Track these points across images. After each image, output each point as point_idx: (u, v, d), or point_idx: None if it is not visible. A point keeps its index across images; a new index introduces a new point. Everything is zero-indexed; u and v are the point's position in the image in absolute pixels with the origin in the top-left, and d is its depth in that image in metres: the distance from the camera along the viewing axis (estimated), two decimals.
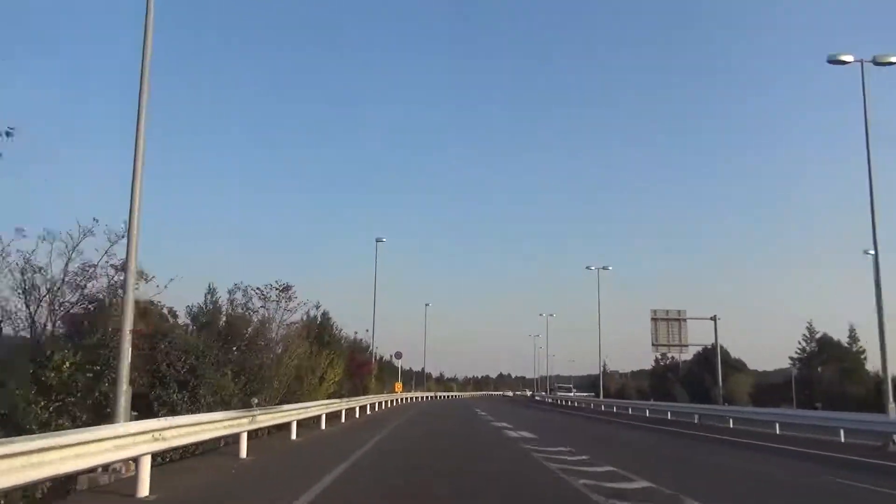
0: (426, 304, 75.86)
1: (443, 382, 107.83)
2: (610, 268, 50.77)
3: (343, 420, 22.33)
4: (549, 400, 77.64)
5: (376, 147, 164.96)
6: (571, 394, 58.40)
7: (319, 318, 27.84)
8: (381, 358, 49.97)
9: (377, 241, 42.01)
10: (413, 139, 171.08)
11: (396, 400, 46.30)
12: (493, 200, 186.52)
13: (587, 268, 50.68)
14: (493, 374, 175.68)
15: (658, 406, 34.96)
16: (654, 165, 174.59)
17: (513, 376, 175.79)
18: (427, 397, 71.67)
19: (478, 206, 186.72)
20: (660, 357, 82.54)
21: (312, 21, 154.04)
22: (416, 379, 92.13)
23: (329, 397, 26.39)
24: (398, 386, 47.62)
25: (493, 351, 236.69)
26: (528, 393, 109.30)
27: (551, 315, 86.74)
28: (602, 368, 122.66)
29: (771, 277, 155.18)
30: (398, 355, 49.08)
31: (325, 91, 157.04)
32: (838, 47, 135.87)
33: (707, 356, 69.30)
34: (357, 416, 25.90)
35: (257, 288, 21.16)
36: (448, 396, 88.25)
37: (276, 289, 21.65)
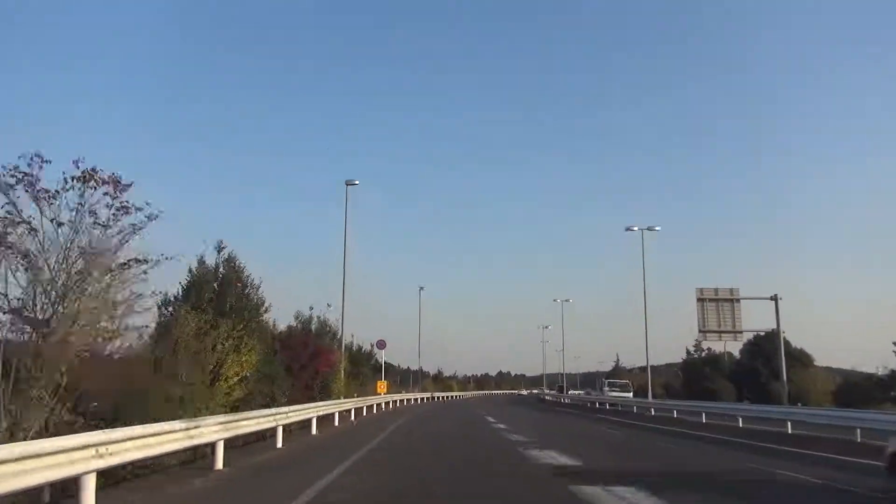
0: (420, 288, 64.66)
1: (441, 381, 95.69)
2: (658, 228, 39.09)
3: (220, 466, 10.47)
4: (566, 400, 66.01)
5: (365, 135, 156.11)
6: (629, 395, 45.61)
7: (222, 268, 16.05)
8: (360, 349, 38.28)
9: (347, 185, 30.41)
10: (407, 135, 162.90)
11: (380, 405, 34.71)
12: (493, 193, 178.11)
13: (628, 229, 39.01)
14: (493, 373, 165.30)
15: (771, 412, 23.16)
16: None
17: (512, 374, 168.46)
18: (422, 399, 59.71)
19: (476, 197, 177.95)
20: (693, 349, 71.08)
21: (313, 20, 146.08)
22: (413, 377, 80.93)
23: (235, 407, 14.91)
24: (382, 385, 35.97)
25: (492, 349, 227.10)
26: (546, 391, 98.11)
27: (567, 300, 75.24)
28: (618, 364, 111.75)
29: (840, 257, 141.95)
30: (381, 344, 37.36)
31: (325, 93, 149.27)
32: (842, 43, 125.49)
33: (760, 345, 57.54)
34: (280, 444, 14.14)
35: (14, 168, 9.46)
36: (448, 398, 76.26)
37: (74, 177, 10.01)
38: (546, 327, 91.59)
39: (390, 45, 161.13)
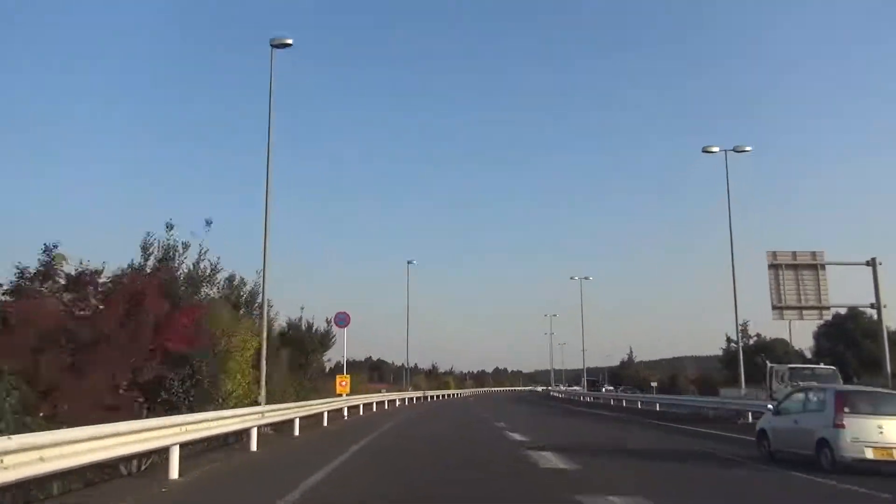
0: (409, 262, 52.70)
1: (436, 377, 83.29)
2: (749, 148, 26.77)
3: None
4: (589, 399, 53.73)
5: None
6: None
7: None
8: (312, 327, 25.77)
9: (273, 46, 18.07)
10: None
11: (341, 410, 22.51)
12: (493, 193, 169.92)
13: (705, 150, 26.64)
14: (489, 369, 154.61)
15: None
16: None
17: (509, 370, 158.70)
18: (412, 399, 47.15)
19: (477, 197, 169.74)
20: (735, 339, 58.58)
21: (313, 20, 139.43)
22: (404, 374, 69.05)
23: None
24: (342, 382, 23.71)
25: (489, 347, 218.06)
26: (568, 387, 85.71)
27: (587, 278, 62.98)
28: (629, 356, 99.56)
29: None
30: (341, 319, 24.63)
31: (325, 93, 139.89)
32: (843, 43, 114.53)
33: (842, 325, 45.39)
34: None
35: None
36: (444, 397, 63.78)
37: None
38: (554, 315, 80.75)
39: (390, 45, 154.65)
